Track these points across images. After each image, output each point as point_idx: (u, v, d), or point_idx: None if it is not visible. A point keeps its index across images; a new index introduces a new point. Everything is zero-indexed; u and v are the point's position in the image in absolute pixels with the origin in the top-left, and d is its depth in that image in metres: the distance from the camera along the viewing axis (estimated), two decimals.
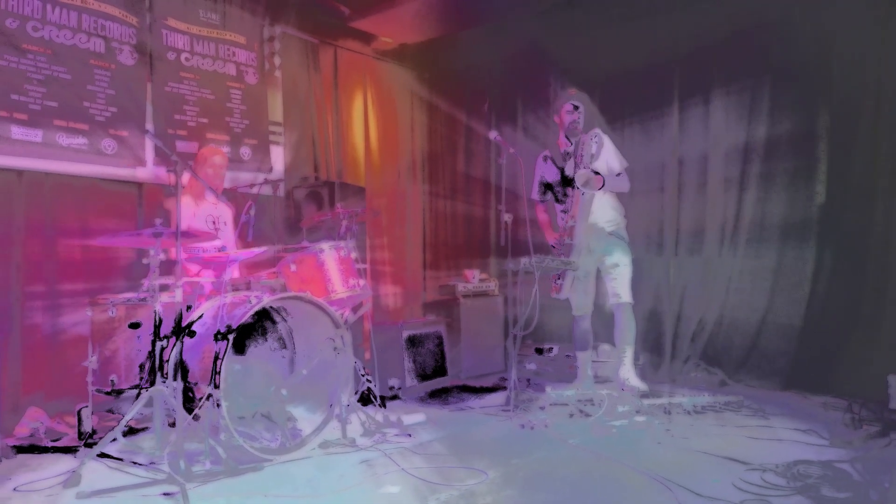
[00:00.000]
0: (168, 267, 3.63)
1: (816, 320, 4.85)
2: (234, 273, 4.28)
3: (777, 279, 5.09)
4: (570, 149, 4.74)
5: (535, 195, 4.98)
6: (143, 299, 3.53)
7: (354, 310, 4.63)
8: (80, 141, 4.53)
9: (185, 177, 4.32)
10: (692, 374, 5.24)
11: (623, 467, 3.19)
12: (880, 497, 2.68)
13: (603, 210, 4.73)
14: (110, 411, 3.98)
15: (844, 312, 4.70)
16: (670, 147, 5.66)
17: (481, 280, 6.06)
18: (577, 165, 4.64)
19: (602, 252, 4.74)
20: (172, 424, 3.33)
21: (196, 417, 3.24)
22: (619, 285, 4.70)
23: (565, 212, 4.74)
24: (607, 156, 4.73)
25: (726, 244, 5.36)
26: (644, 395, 4.43)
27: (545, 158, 4.93)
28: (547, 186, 4.90)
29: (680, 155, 5.63)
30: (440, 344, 5.45)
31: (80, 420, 3.71)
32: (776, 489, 2.83)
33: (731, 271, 5.32)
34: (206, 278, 3.93)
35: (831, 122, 4.88)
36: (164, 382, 3.28)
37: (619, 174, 4.72)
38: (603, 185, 4.53)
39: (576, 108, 4.75)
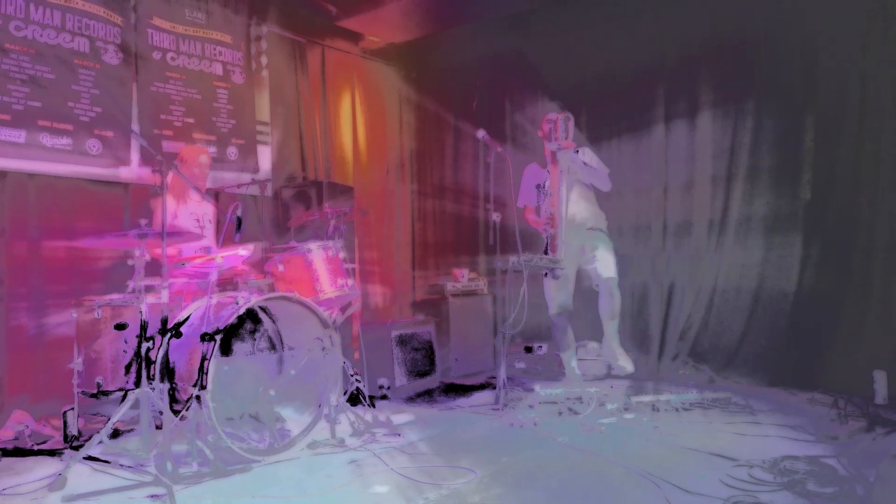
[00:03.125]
0: (153, 268, 3.60)
1: (803, 317, 4.88)
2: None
3: (763, 277, 5.12)
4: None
5: (522, 202, 5.13)
6: (129, 300, 3.50)
7: (343, 310, 4.61)
8: (64, 141, 4.49)
9: (170, 177, 4.29)
10: (680, 372, 5.26)
11: (612, 464, 3.20)
12: (866, 491, 2.70)
13: (579, 209, 4.92)
14: (96, 413, 3.95)
15: (830, 309, 4.74)
16: (658, 144, 5.68)
17: (470, 279, 6.06)
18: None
19: (582, 244, 4.90)
20: (159, 426, 3.31)
21: (183, 419, 3.22)
22: (602, 266, 4.87)
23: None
24: (586, 156, 4.96)
25: (713, 242, 5.39)
26: (630, 376, 4.67)
27: (533, 166, 5.14)
28: (539, 188, 4.99)
29: (667, 153, 5.65)
30: (429, 343, 5.44)
31: (65, 422, 3.68)
32: (763, 484, 2.84)
33: (717, 269, 5.35)
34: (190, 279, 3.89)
35: (817, 122, 4.91)
36: (151, 384, 3.26)
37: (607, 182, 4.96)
38: (575, 149, 4.83)
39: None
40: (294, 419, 3.77)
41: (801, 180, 4.98)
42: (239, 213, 4.06)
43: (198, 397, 3.20)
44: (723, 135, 5.34)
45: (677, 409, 4.18)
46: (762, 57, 5.17)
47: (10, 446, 3.73)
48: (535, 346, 5.92)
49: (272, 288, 4.02)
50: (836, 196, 4.80)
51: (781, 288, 5.01)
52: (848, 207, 4.72)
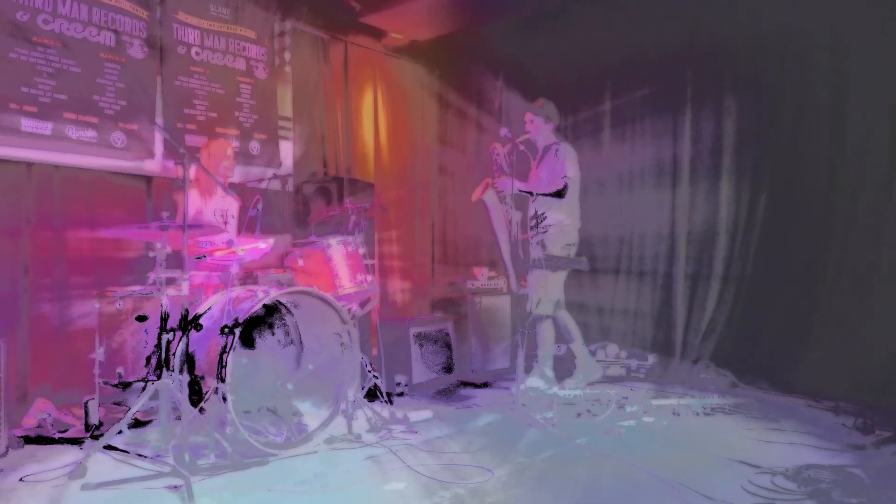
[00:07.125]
0: (175, 260, 3.62)
1: (828, 323, 4.79)
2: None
3: (788, 282, 5.04)
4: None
5: None
6: (150, 292, 3.53)
7: (362, 305, 4.61)
8: (89, 134, 4.53)
9: (193, 170, 4.31)
10: (702, 376, 5.19)
11: (631, 468, 3.16)
12: (892, 503, 2.64)
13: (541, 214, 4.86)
14: (117, 403, 3.98)
15: (856, 315, 4.64)
16: (681, 144, 5.62)
17: (490, 277, 6.03)
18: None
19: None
20: (178, 418, 3.33)
21: (202, 411, 3.24)
22: (532, 295, 4.77)
23: None
24: (558, 155, 4.85)
25: (737, 245, 5.31)
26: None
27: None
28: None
29: (691, 155, 5.59)
30: (448, 341, 5.43)
31: (86, 412, 3.72)
32: (786, 493, 2.79)
33: (741, 272, 5.27)
34: (213, 273, 3.92)
35: (832, 135, 4.87)
36: (171, 375, 3.28)
37: (556, 190, 4.77)
38: (502, 190, 4.70)
39: (531, 121, 5.03)
40: (312, 414, 3.77)
41: (825, 178, 4.89)
42: (260, 207, 4.08)
43: (216, 389, 3.22)
44: (749, 136, 5.29)
45: (698, 414, 4.13)
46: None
47: (32, 434, 3.77)
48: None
49: (292, 282, 4.03)
50: (862, 198, 4.70)
51: (807, 295, 4.92)
52: (878, 211, 4.62)
